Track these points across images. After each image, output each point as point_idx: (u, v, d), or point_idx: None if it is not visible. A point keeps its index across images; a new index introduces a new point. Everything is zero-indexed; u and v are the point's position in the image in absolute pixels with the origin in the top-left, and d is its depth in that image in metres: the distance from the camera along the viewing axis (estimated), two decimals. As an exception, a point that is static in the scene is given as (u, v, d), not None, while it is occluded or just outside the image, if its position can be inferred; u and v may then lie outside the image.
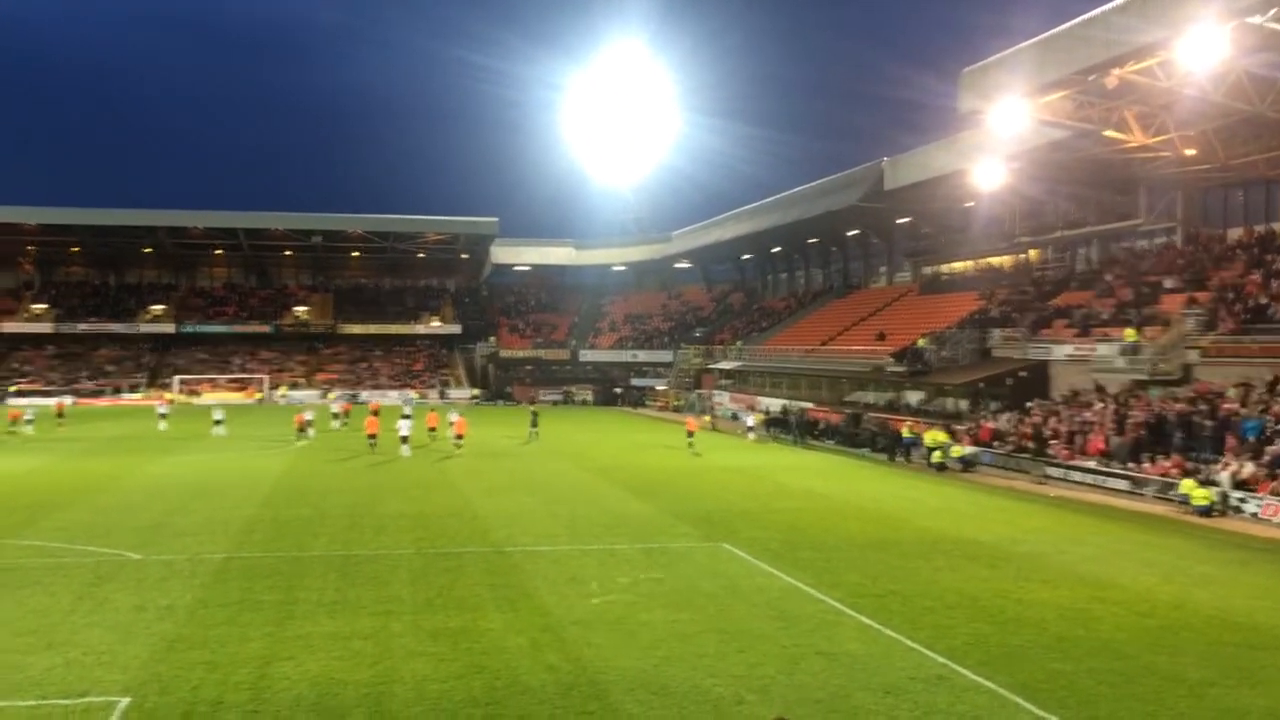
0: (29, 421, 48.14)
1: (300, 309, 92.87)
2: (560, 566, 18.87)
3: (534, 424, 46.39)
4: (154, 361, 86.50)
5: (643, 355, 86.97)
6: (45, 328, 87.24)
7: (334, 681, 12.19)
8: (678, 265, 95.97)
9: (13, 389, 77.75)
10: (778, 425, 49.91)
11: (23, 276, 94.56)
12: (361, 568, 18.62)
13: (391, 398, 75.11)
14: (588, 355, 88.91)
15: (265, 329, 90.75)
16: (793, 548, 21.03)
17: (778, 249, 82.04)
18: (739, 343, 72.77)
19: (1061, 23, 29.46)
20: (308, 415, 46.53)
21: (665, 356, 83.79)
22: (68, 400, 66.74)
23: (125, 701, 11.39)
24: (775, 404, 55.25)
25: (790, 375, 59.67)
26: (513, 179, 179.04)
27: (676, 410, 68.69)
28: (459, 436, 39.84)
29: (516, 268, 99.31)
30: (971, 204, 54.18)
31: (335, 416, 52.31)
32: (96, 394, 79.00)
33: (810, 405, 52.06)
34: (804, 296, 77.63)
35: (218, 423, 48.27)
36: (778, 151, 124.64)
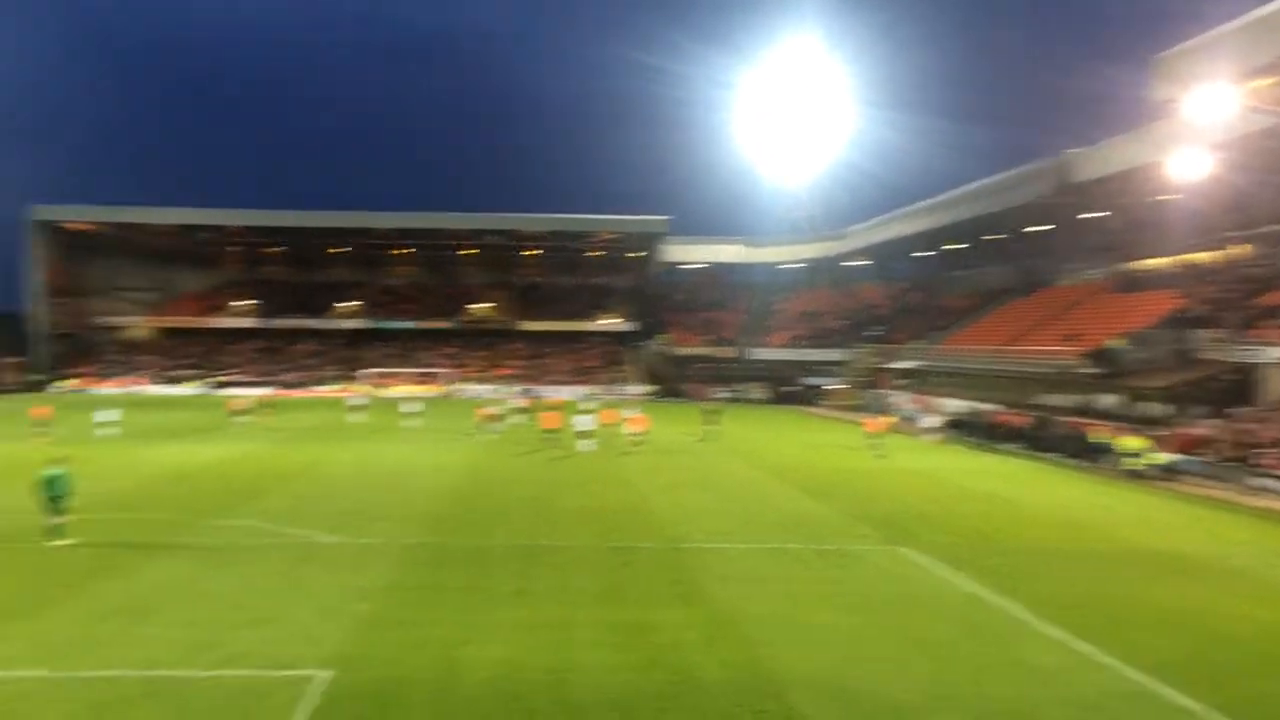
0: (247, 412, 50.86)
1: (479, 306, 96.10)
2: (735, 564, 18.84)
3: (711, 421, 46.43)
4: (346, 356, 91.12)
5: (815, 353, 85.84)
6: (249, 323, 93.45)
7: (518, 667, 12.55)
8: (851, 262, 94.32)
9: (217, 380, 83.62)
10: (959, 427, 48.38)
11: (229, 275, 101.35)
12: (542, 558, 19.07)
13: (566, 394, 76.73)
14: (758, 353, 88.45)
15: (447, 325, 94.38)
16: (977, 553, 20.34)
17: (956, 245, 79.50)
18: (916, 342, 70.92)
19: (1264, 2, 27.39)
20: (493, 409, 48.01)
21: (838, 355, 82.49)
22: (270, 391, 71.05)
23: (326, 675, 12.06)
24: (956, 405, 53.57)
25: (972, 376, 57.71)
26: (683, 178, 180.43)
27: (851, 410, 67.52)
28: (637, 433, 40.26)
29: (688, 265, 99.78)
30: (1167, 197, 51.07)
31: (517, 411, 53.68)
32: (294, 386, 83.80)
33: (993, 407, 50.23)
34: (985, 295, 74.93)
35: (410, 415, 50.18)
36: (955, 144, 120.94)
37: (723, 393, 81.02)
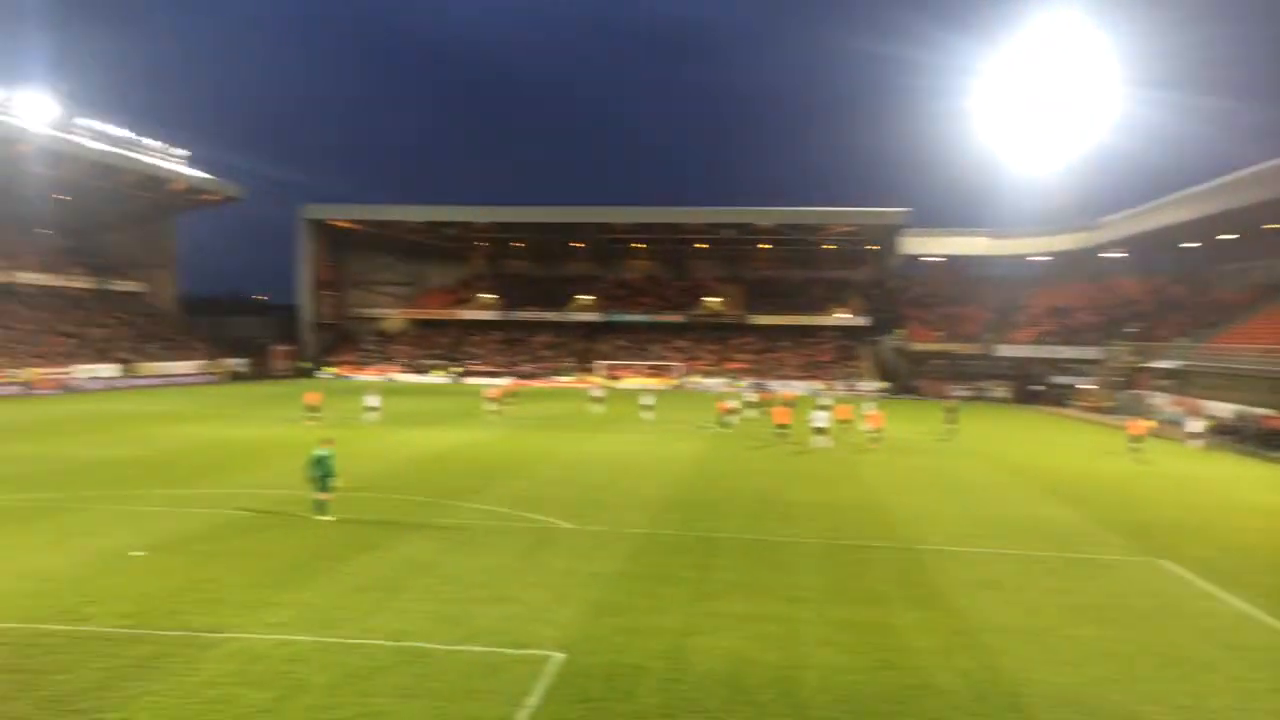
0: (499, 401, 52.80)
1: (712, 300, 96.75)
2: (974, 569, 18.02)
3: (951, 420, 44.76)
4: (582, 348, 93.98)
5: (1065, 351, 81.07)
6: (492, 315, 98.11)
7: (745, 660, 12.48)
8: (1106, 254, 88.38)
9: (459, 369, 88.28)
10: (1226, 432, 44.43)
11: (474, 269, 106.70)
12: (770, 553, 18.92)
13: (797, 388, 76.01)
14: (1003, 350, 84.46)
15: (680, 319, 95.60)
16: (1246, 570, 18.57)
17: (1229, 236, 72.93)
18: (1179, 340, 65.66)
19: None
20: (731, 403, 48.14)
21: (1091, 353, 77.56)
22: (512, 381, 74.23)
23: (560, 656, 12.41)
24: (1226, 409, 49.23)
25: (1243, 377, 52.83)
26: (921, 168, 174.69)
27: (1103, 412, 63.37)
28: (874, 430, 39.34)
29: (926, 258, 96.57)
30: None
31: (750, 405, 53.59)
32: (532, 376, 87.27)
33: (1267, 411, 45.82)
34: (1261, 289, 68.41)
35: (645, 407, 51.04)
36: (1232, 123, 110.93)
37: (961, 391, 77.90)
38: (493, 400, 51.89)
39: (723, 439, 41.10)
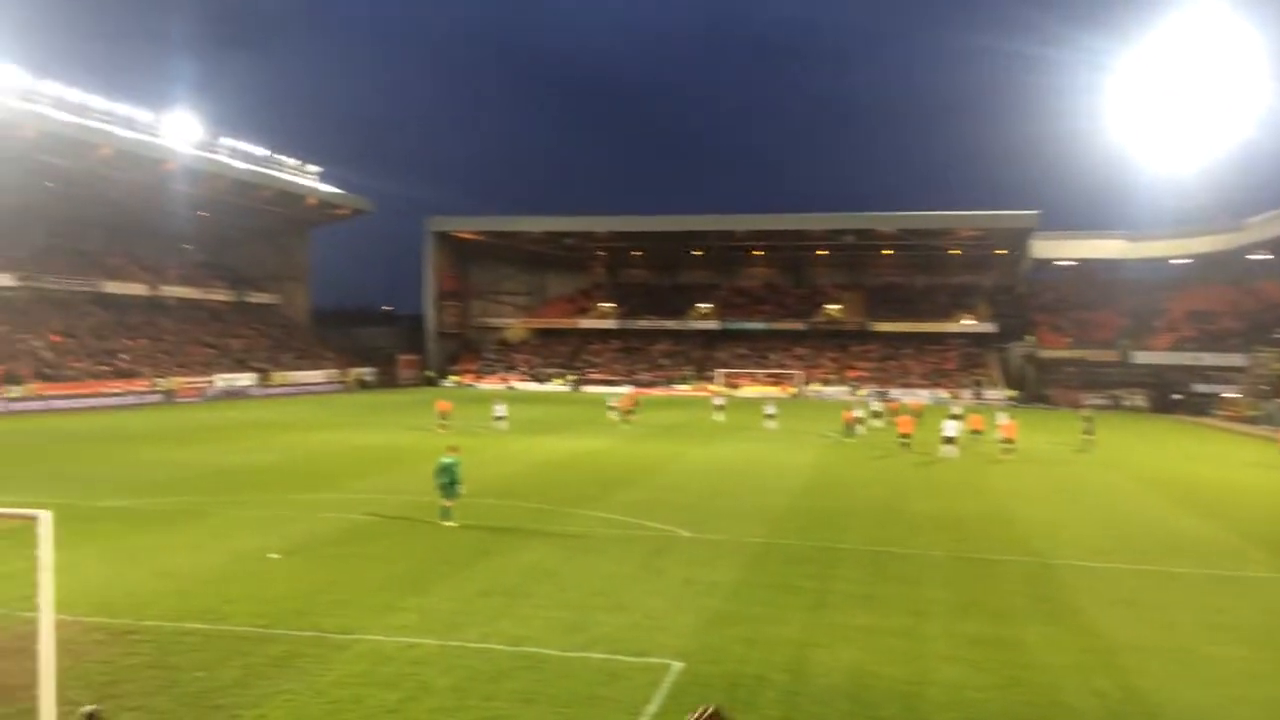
0: (624, 410, 52.61)
1: (832, 307, 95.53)
2: (1110, 585, 17.29)
3: (1088, 430, 42.97)
4: (700, 356, 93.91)
5: (1206, 358, 77.24)
6: (611, 324, 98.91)
7: (868, 674, 12.23)
8: (1253, 256, 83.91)
9: (572, 378, 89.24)
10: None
11: (593, 278, 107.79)
12: (893, 565, 18.53)
13: (922, 397, 74.37)
14: (1141, 356, 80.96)
15: (799, 326, 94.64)
16: None
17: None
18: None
19: None
20: (857, 413, 47.28)
21: (1235, 360, 73.74)
22: (631, 389, 74.58)
23: (679, 665, 12.37)
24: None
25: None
26: (1051, 170, 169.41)
27: (1249, 421, 60.18)
28: (1007, 440, 38.12)
29: (1058, 262, 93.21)
30: None
31: (874, 415, 52.07)
32: (650, 385, 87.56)
33: None
34: None
35: (768, 416, 50.42)
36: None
37: (1095, 399, 74.92)
38: (619, 409, 52.11)
39: (845, 448, 40.49)
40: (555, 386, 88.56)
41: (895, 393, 76.95)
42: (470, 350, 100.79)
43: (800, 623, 14.47)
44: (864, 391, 76.32)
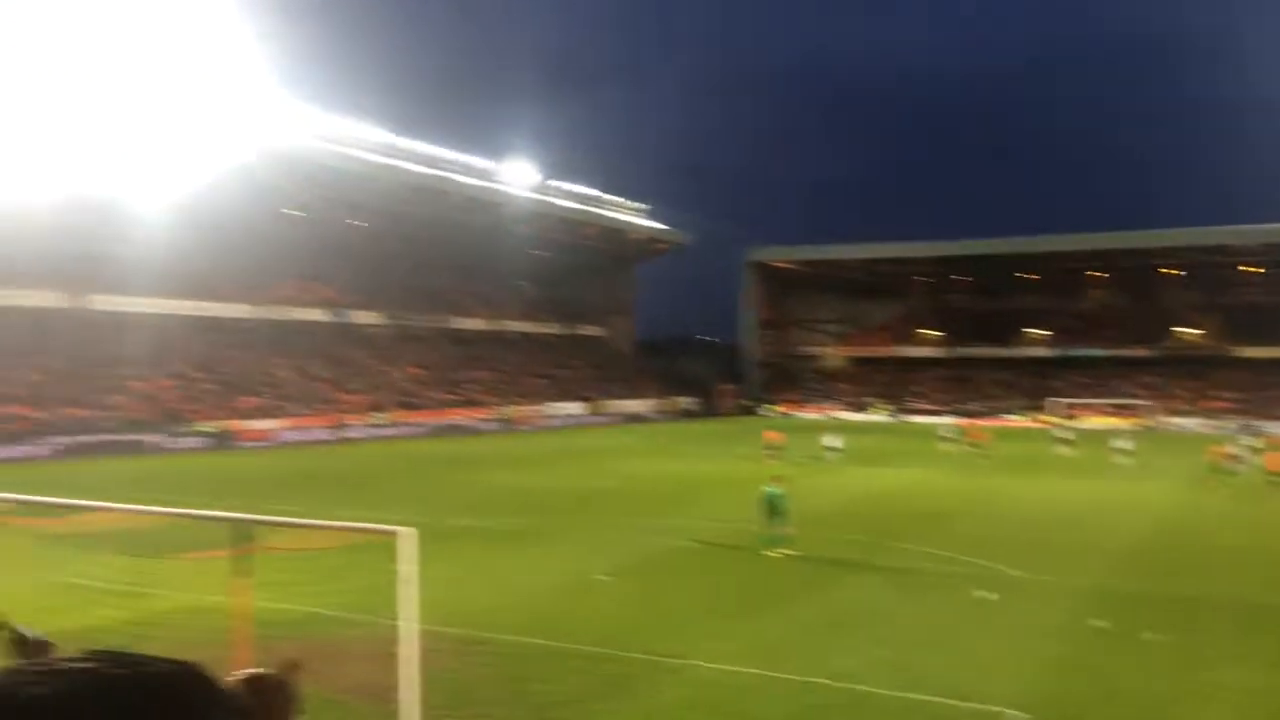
0: (975, 442, 50.26)
1: (1186, 331, 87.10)
2: None
3: None
4: (1032, 385, 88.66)
5: None
6: (934, 352, 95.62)
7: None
8: None
9: (894, 407, 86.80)
10: None
11: (913, 305, 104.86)
12: (1267, 618, 16.46)
13: (1295, 429, 65.89)
14: None
15: (1146, 353, 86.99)
16: None
17: None
18: None
19: None
20: (1232, 449, 41.94)
21: None
22: (953, 420, 71.44)
23: (1017, 715, 11.56)
24: None
25: None
26: None
27: None
28: None
29: None
30: None
31: (1232, 458, 45.30)
32: (979, 415, 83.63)
33: None
34: None
35: (1121, 451, 46.03)
36: None
37: None
38: (970, 440, 50.14)
39: (1204, 487, 36.55)
40: (873, 416, 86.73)
41: (1266, 425, 68.76)
42: (787, 379, 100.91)
43: (1155, 676, 13.15)
44: (1230, 425, 68.72)
